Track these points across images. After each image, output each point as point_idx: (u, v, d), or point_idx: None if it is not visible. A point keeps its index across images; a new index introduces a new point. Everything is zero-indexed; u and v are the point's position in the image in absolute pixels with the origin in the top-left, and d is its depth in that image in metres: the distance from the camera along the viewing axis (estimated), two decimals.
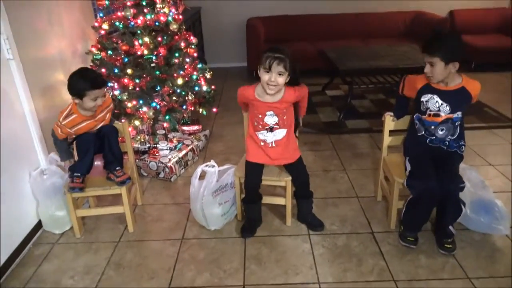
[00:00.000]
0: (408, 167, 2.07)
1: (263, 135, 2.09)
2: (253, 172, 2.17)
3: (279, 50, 1.86)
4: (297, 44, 5.20)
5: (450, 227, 2.05)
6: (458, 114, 1.99)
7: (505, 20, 5.44)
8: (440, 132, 2.02)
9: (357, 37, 5.49)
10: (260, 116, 2.04)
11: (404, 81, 2.18)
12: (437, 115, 2.00)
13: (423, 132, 2.08)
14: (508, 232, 2.11)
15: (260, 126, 2.07)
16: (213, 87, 3.28)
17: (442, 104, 1.98)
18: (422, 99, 2.03)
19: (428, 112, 2.02)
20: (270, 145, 2.10)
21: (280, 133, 2.08)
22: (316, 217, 2.33)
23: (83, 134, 2.18)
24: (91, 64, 2.84)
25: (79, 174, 2.14)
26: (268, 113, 2.02)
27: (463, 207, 1.98)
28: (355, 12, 5.57)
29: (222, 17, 5.71)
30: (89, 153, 2.16)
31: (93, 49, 2.81)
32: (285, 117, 2.05)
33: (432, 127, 2.03)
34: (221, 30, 5.79)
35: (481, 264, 1.97)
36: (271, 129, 2.06)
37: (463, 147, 2.07)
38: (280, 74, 1.87)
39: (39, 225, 2.33)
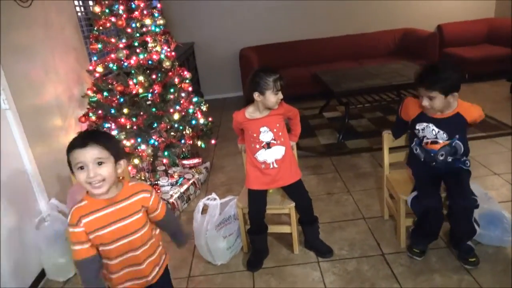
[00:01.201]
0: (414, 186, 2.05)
1: (262, 155, 2.08)
2: (256, 200, 2.15)
3: (276, 70, 1.99)
4: (291, 70, 5.27)
5: (469, 243, 2.01)
6: (456, 137, 1.95)
7: (492, 29, 5.53)
8: (441, 158, 1.98)
9: (349, 58, 5.57)
10: (255, 135, 2.06)
11: (403, 104, 2.13)
12: (435, 142, 1.96)
13: (425, 158, 2.04)
14: None
15: (257, 146, 2.07)
16: (210, 119, 3.30)
17: (438, 131, 1.94)
18: (417, 127, 2.01)
19: (425, 140, 1.99)
20: (271, 166, 2.09)
21: (279, 151, 2.08)
22: (324, 243, 2.28)
23: None
24: (88, 107, 2.86)
25: None
26: (262, 129, 2.05)
27: (477, 227, 1.93)
28: (345, 34, 5.68)
29: (215, 50, 5.82)
30: None
31: (89, 92, 2.85)
32: (280, 133, 2.07)
33: (432, 154, 1.99)
34: (215, 62, 5.89)
35: (498, 278, 1.90)
36: (269, 145, 2.06)
37: (468, 162, 2.03)
38: (279, 91, 1.98)
39: (42, 273, 2.28)
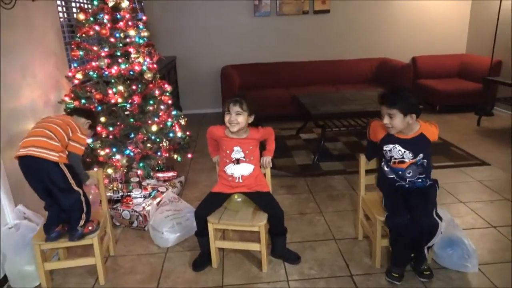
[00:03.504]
0: (384, 205, 2.14)
1: (230, 169, 2.25)
2: (209, 201, 2.28)
3: (239, 95, 2.20)
4: (270, 91, 5.37)
5: (425, 251, 2.09)
6: (421, 156, 2.08)
7: (463, 65, 5.83)
8: (408, 175, 2.11)
9: (327, 82, 5.73)
10: (228, 151, 2.24)
11: (369, 127, 2.28)
12: (402, 161, 2.10)
13: (394, 176, 2.16)
14: (476, 270, 2.14)
15: (227, 160, 2.25)
16: (188, 133, 3.30)
17: (404, 151, 2.07)
18: (385, 149, 2.14)
19: (393, 160, 2.12)
20: (237, 180, 2.26)
21: (247, 168, 2.24)
22: (291, 251, 2.36)
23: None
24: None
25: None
26: (235, 148, 2.23)
27: (438, 220, 2.01)
28: (325, 59, 5.86)
29: (197, 65, 5.87)
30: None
31: (66, 98, 2.81)
32: (251, 154, 2.24)
33: (400, 172, 2.12)
34: (196, 78, 5.93)
35: None
36: (238, 161, 2.24)
37: (429, 181, 2.14)
38: (238, 114, 2.13)
39: (2, 282, 2.18)
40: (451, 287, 2.08)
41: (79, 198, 2.06)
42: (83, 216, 2.08)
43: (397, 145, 2.08)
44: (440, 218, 2.02)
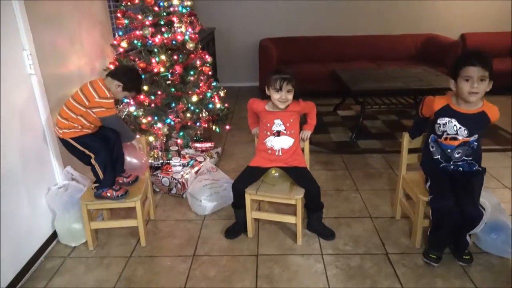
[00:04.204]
0: (428, 187, 2.08)
1: (270, 141, 2.26)
2: (247, 174, 2.30)
3: (285, 71, 2.14)
4: (308, 66, 5.26)
5: (467, 237, 2.03)
6: (475, 137, 1.98)
7: None
8: (457, 155, 2.01)
9: (368, 59, 5.54)
10: (268, 124, 2.25)
11: (424, 101, 2.18)
12: (454, 138, 1.98)
13: (439, 156, 2.07)
14: None
15: (268, 133, 2.26)
16: (226, 105, 3.32)
17: (460, 128, 1.96)
18: (439, 121, 2.02)
19: (445, 135, 2.01)
20: (276, 153, 2.26)
21: (287, 141, 2.24)
22: (327, 227, 2.37)
23: (96, 139, 2.21)
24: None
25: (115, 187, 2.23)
26: (276, 121, 2.23)
27: (483, 210, 1.93)
28: (367, 34, 5.64)
29: (235, 38, 5.83)
30: (111, 162, 2.25)
31: (111, 66, 2.88)
32: (291, 127, 2.23)
33: (449, 150, 2.02)
34: (234, 50, 5.90)
35: None
36: (278, 134, 2.24)
37: (476, 167, 2.06)
38: (289, 91, 2.12)
39: (51, 238, 2.34)
40: (492, 272, 2.02)
41: (91, 163, 2.20)
42: (99, 178, 2.21)
43: (453, 120, 1.97)
44: (483, 208, 1.94)
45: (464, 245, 2.05)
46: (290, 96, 2.13)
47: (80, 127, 2.15)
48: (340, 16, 5.69)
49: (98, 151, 2.19)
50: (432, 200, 2.00)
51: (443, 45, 5.22)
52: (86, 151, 2.19)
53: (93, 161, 2.19)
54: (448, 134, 2.00)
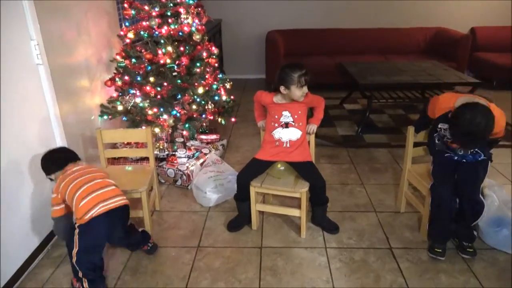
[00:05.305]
0: (431, 173, 2.11)
1: (278, 133, 2.25)
2: (252, 167, 2.30)
3: (302, 66, 2.12)
4: (315, 58, 5.22)
5: (474, 232, 2.05)
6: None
7: None
8: (460, 153, 2.05)
9: (376, 52, 5.49)
10: (276, 116, 2.25)
11: (430, 102, 2.16)
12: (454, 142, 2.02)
13: (444, 147, 2.10)
14: None
15: (276, 125, 2.25)
16: (232, 97, 3.31)
17: None
18: (440, 127, 2.05)
19: (445, 139, 2.05)
20: (284, 145, 2.25)
21: (295, 133, 2.23)
22: (331, 221, 2.38)
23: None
24: (115, 71, 2.90)
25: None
26: (284, 113, 2.23)
27: (483, 200, 1.97)
28: (375, 27, 5.58)
29: (242, 30, 5.79)
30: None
31: (118, 57, 2.88)
32: (300, 119, 2.23)
33: (452, 148, 2.06)
34: (241, 42, 5.87)
35: (504, 284, 1.91)
36: (287, 125, 2.23)
37: (482, 157, 2.05)
38: (306, 85, 2.15)
39: None
40: (496, 268, 2.02)
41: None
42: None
43: None
44: (483, 197, 1.98)
45: (470, 237, 2.06)
46: (306, 89, 2.16)
47: None
48: (348, 8, 5.62)
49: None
50: (432, 186, 2.04)
51: (452, 39, 5.15)
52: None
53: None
54: (448, 138, 2.03)
